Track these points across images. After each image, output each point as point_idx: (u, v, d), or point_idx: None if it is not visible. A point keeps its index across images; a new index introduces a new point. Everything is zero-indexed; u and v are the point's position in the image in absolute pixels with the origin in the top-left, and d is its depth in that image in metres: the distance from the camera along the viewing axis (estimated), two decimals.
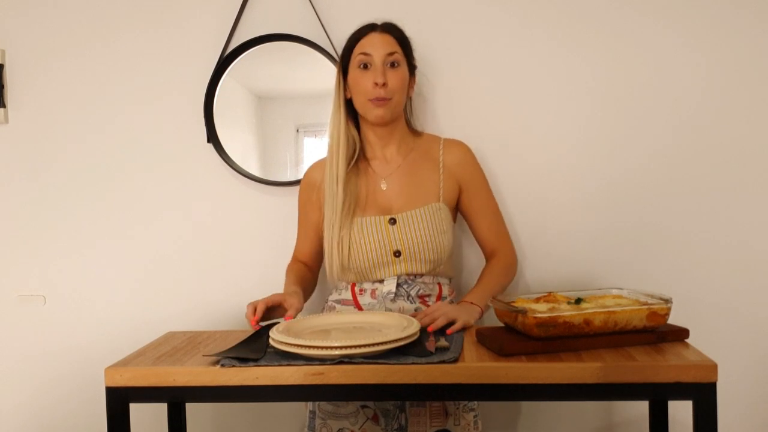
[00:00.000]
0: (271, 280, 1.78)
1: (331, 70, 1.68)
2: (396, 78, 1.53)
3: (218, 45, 1.82)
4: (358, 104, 1.56)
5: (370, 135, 1.61)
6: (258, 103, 1.89)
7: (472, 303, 1.48)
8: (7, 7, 1.89)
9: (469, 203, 1.63)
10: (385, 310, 1.51)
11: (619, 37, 1.77)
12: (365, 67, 1.53)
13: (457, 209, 1.66)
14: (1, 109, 1.89)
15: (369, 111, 1.54)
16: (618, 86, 1.78)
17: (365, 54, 1.53)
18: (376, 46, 1.52)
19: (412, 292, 1.54)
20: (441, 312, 1.39)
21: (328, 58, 1.77)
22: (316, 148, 1.84)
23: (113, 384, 1.20)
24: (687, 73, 1.77)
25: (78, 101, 1.90)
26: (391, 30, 1.56)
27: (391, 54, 1.53)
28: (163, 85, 1.87)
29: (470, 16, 1.80)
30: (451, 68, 1.80)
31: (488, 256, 1.66)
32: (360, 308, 1.56)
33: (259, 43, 1.81)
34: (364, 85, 1.52)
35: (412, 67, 1.60)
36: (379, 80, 1.50)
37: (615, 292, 1.39)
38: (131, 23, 1.87)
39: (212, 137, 1.84)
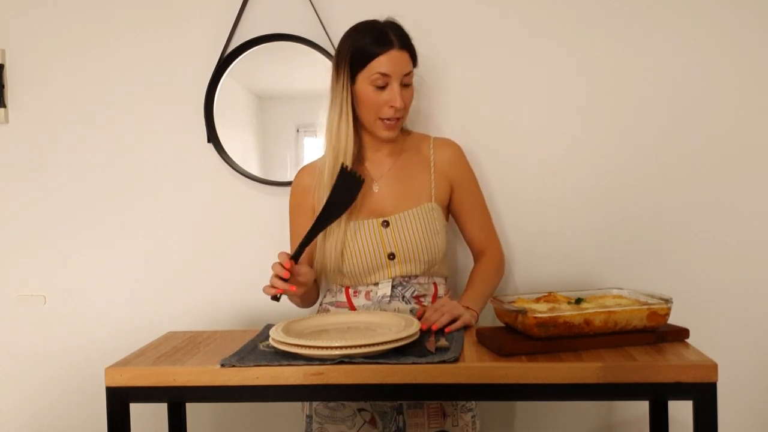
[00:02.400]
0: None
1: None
2: (408, 97, 1.51)
3: (218, 45, 1.82)
4: (366, 119, 1.52)
5: (366, 138, 1.58)
6: (258, 103, 1.89)
7: (468, 308, 1.47)
8: (7, 7, 1.89)
9: (460, 202, 1.62)
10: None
11: (616, 38, 1.77)
12: (380, 84, 1.48)
13: (448, 208, 1.64)
14: (1, 109, 1.89)
15: (379, 130, 1.52)
16: (616, 85, 1.78)
17: (384, 75, 1.47)
18: (396, 67, 1.47)
19: (407, 294, 1.53)
20: (447, 308, 1.39)
21: (328, 58, 1.77)
22: (317, 147, 1.84)
23: (113, 384, 1.20)
24: (685, 73, 1.77)
25: (78, 101, 1.89)
26: (407, 46, 1.51)
27: (407, 74, 1.50)
28: (163, 85, 1.87)
29: (469, 16, 1.80)
30: (450, 68, 1.80)
31: (477, 255, 1.65)
32: (354, 310, 1.54)
33: (259, 43, 1.81)
34: (376, 102, 1.49)
35: None
36: (398, 104, 1.48)
37: (615, 292, 1.39)
38: (131, 23, 1.87)
39: (212, 137, 1.84)
